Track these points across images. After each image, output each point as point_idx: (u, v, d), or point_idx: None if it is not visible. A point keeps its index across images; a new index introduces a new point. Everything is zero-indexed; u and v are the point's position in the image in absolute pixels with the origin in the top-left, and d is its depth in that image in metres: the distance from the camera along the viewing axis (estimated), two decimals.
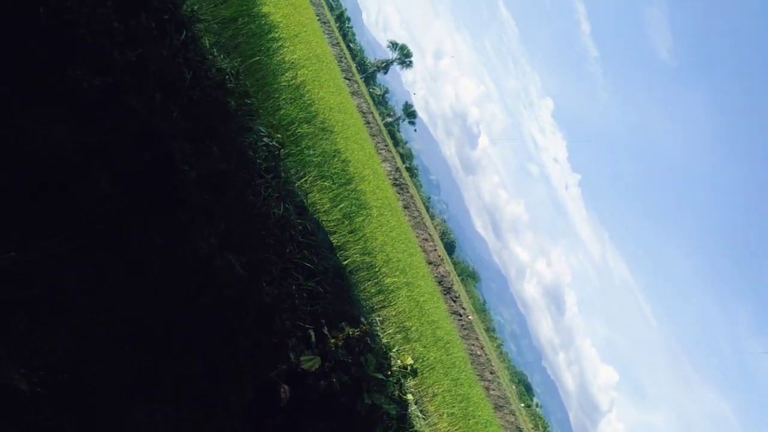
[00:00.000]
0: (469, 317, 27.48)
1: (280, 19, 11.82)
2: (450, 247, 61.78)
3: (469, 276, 64.80)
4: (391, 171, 32.41)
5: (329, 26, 43.78)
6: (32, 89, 3.57)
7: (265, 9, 9.51)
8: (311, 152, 7.69)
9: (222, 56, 5.10)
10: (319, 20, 38.26)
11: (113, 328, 3.95)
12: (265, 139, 5.20)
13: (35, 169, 3.64)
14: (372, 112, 40.54)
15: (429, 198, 77.65)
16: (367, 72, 76.71)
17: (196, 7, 4.71)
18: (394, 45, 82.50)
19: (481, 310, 56.71)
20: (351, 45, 74.37)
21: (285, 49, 9.81)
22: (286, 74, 8.95)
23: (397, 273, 11.48)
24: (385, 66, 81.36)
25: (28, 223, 3.58)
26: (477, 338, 26.34)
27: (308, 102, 9.96)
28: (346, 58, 43.44)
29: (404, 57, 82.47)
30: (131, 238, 3.86)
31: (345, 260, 7.54)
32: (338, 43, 44.26)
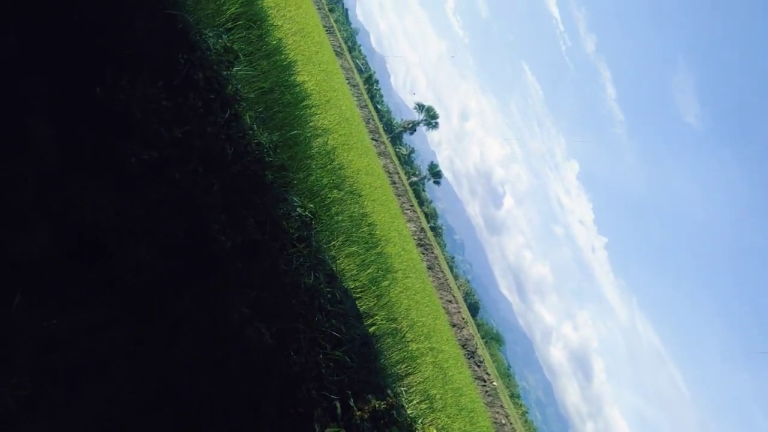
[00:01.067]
0: (494, 383, 26.73)
1: (313, 87, 12.30)
2: (474, 309, 60.92)
3: (493, 339, 63.49)
4: (416, 231, 32.52)
5: (358, 89, 45.17)
6: (83, 161, 3.77)
7: (299, 78, 9.92)
8: (340, 218, 7.83)
9: (261, 130, 5.32)
10: (348, 83, 39.57)
11: (143, 392, 3.99)
12: (298, 209, 5.34)
13: (78, 237, 3.79)
14: (398, 172, 41.12)
15: (453, 258, 77.19)
16: (393, 132, 78.28)
17: (239, 86, 4.98)
18: (420, 107, 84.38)
19: (506, 374, 55.19)
20: (379, 106, 76.33)
21: (317, 116, 10.17)
22: (318, 140, 9.23)
23: (422, 338, 11.36)
24: (412, 127, 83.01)
25: (68, 289, 3.71)
26: (502, 405, 25.52)
27: (338, 166, 10.22)
28: (373, 120, 44.56)
29: (430, 118, 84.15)
30: (166, 305, 3.96)
31: (371, 326, 7.52)
32: (366, 105, 45.53)
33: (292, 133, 6.88)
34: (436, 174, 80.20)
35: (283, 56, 9.29)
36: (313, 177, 7.91)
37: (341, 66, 40.75)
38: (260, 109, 6.87)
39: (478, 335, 38.77)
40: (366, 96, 50.75)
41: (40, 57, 3.64)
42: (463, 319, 29.77)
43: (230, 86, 4.64)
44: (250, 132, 4.79)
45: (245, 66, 6.01)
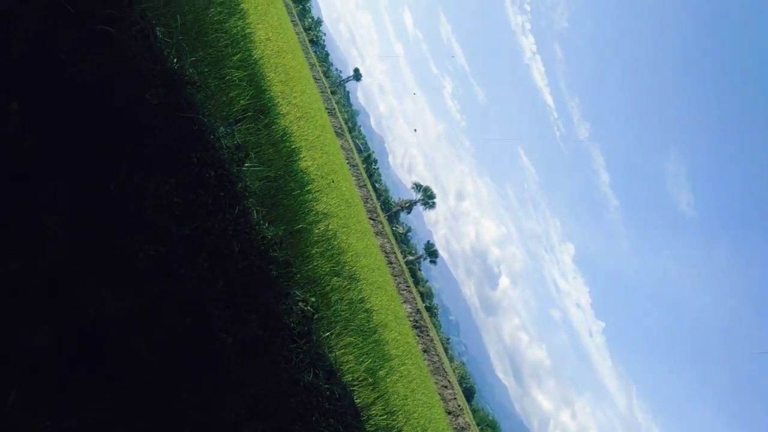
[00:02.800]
0: None
1: (315, 171, 12.57)
2: (469, 393, 59.17)
3: (489, 426, 61.22)
4: (411, 313, 32.14)
5: (357, 169, 46.06)
6: (90, 257, 3.78)
7: (303, 164, 10.17)
8: (339, 306, 7.79)
9: (267, 224, 5.39)
10: (348, 164, 40.40)
11: None
12: (300, 303, 5.32)
13: (79, 333, 3.74)
14: (395, 252, 41.16)
15: (448, 339, 75.86)
16: (391, 211, 79.06)
17: (248, 181, 5.09)
18: (418, 187, 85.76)
19: None
20: (377, 185, 77.55)
21: (319, 201, 10.33)
22: (319, 226, 9.33)
23: (419, 430, 10.97)
24: (409, 206, 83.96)
25: (62, 391, 3.61)
26: None
27: (338, 251, 10.26)
28: (372, 199, 45.13)
29: (427, 198, 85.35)
30: (164, 406, 3.84)
31: (368, 420, 7.29)
32: (365, 184, 46.27)
33: (298, 227, 6.96)
34: (432, 253, 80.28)
35: (288, 143, 9.57)
36: (314, 264, 7.93)
37: (342, 146, 41.77)
38: (265, 197, 7.00)
39: (474, 423, 37.44)
40: (365, 175, 51.69)
41: (57, 154, 3.74)
42: (459, 406, 28.87)
43: (240, 183, 4.75)
44: (257, 227, 4.85)
45: (254, 160, 6.17)
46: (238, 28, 9.09)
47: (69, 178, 3.79)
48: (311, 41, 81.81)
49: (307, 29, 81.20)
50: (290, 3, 71.41)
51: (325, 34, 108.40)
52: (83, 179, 3.82)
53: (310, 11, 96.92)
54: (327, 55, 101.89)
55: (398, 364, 12.61)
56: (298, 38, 51.45)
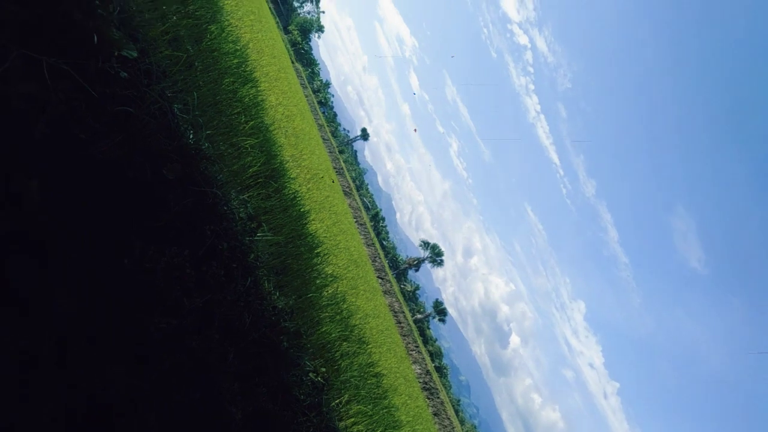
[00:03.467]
0: None
1: (324, 233, 12.65)
2: None
3: None
4: (421, 374, 31.48)
5: (365, 228, 46.26)
6: (100, 333, 3.78)
7: (312, 227, 10.24)
8: (349, 373, 7.66)
9: (278, 293, 5.39)
10: (356, 222, 40.64)
11: None
12: (311, 374, 5.25)
13: (87, 409, 3.69)
14: (403, 311, 40.76)
15: (459, 401, 73.79)
16: (399, 269, 78.73)
17: (260, 252, 5.13)
18: (425, 244, 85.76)
19: None
20: (384, 243, 77.61)
21: (328, 264, 10.34)
22: (328, 290, 9.29)
23: None
24: (417, 264, 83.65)
25: None
26: None
27: (347, 314, 10.17)
28: (379, 258, 45.08)
29: (435, 256, 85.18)
30: None
31: None
32: (373, 243, 46.34)
33: (309, 295, 6.94)
34: (441, 312, 79.33)
35: (298, 207, 9.67)
36: (323, 329, 7.85)
37: (350, 205, 42.14)
38: (275, 262, 7.02)
39: None
40: (372, 234, 51.82)
41: (73, 228, 3.81)
42: None
43: (252, 254, 4.79)
44: (268, 297, 4.85)
45: (266, 229, 6.23)
46: (251, 96, 9.37)
47: (84, 253, 3.83)
48: (320, 103, 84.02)
49: (316, 91, 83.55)
50: (300, 67, 73.80)
51: (333, 96, 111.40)
52: (98, 254, 3.86)
53: (318, 74, 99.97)
54: (335, 115, 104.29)
55: (409, 431, 12.25)
56: (308, 101, 52.90)
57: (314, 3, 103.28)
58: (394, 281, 48.89)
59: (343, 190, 42.47)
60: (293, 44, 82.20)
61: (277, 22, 66.79)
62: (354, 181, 69.21)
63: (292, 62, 61.75)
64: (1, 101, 3.20)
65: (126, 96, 3.54)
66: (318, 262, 9.25)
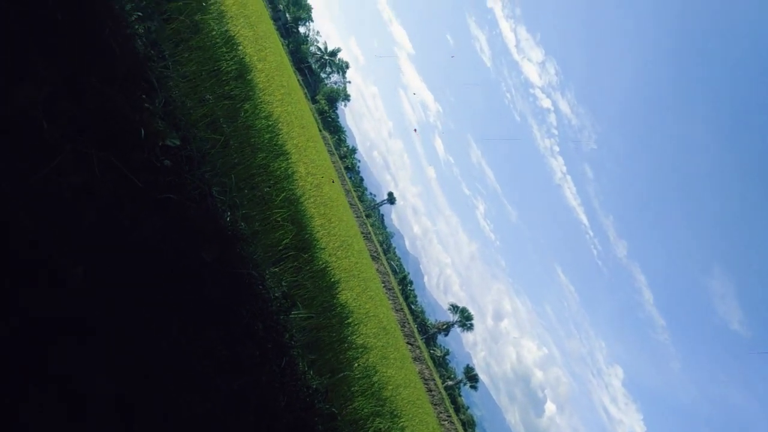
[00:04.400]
0: None
1: (353, 302, 12.60)
2: None
3: None
4: None
5: (393, 293, 45.92)
6: (137, 414, 3.78)
7: (342, 297, 10.22)
8: None
9: (312, 373, 5.35)
10: (384, 287, 40.41)
11: None
12: None
13: None
14: (434, 378, 39.75)
15: None
16: (428, 334, 77.40)
17: (294, 331, 5.14)
18: (454, 308, 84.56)
19: None
20: (413, 307, 76.70)
21: (357, 334, 10.24)
22: (359, 361, 9.17)
23: None
24: (446, 328, 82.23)
25: None
26: None
27: (378, 387, 9.97)
28: (408, 323, 44.46)
29: (465, 320, 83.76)
30: None
31: None
32: (402, 308, 45.86)
33: (341, 375, 6.88)
34: (472, 378, 77.18)
35: (328, 277, 9.71)
36: (355, 404, 7.69)
37: (378, 270, 42.06)
38: (306, 336, 6.99)
39: None
40: (401, 299, 51.36)
41: (113, 310, 3.88)
42: None
43: (287, 334, 4.79)
44: (303, 377, 4.81)
45: (300, 307, 6.26)
46: (282, 169, 9.62)
47: (122, 334, 3.88)
48: (347, 168, 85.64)
49: (342, 158, 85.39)
50: (327, 135, 75.84)
51: (359, 161, 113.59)
52: (137, 335, 3.91)
53: (345, 141, 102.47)
54: (361, 180, 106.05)
55: None
56: (335, 167, 54.01)
57: (340, 73, 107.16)
58: (423, 347, 47.97)
59: (371, 255, 42.55)
60: (320, 113, 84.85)
61: (305, 93, 69.36)
62: (381, 245, 69.38)
63: (320, 130, 63.55)
64: (53, 191, 3.36)
65: (168, 183, 3.68)
66: (349, 333, 9.18)
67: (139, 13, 3.94)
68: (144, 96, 3.58)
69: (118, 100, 3.36)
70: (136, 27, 3.97)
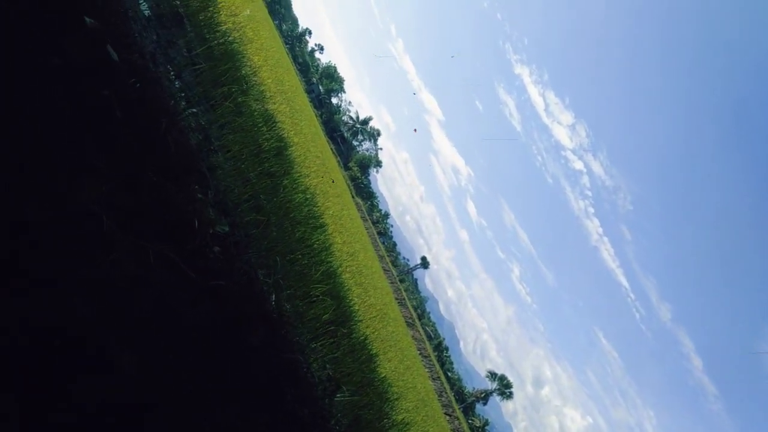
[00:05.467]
0: None
1: (392, 373, 12.38)
2: None
3: None
4: None
5: (429, 360, 44.87)
6: None
7: (381, 370, 10.07)
8: None
9: None
10: (420, 354, 39.57)
11: None
12: None
13: None
14: None
15: None
16: (465, 402, 74.84)
17: (339, 415, 5.07)
18: (493, 375, 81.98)
19: None
20: (449, 374, 74.65)
21: (398, 411, 10.00)
22: None
23: None
24: (485, 397, 79.47)
25: None
26: None
27: None
28: (446, 392, 43.14)
29: (504, 387, 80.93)
30: None
31: None
32: (438, 376, 44.64)
33: None
34: None
35: (366, 350, 9.61)
36: None
37: (413, 337, 41.34)
38: (348, 420, 6.88)
39: None
40: (437, 366, 50.09)
41: (161, 394, 3.91)
42: None
43: (333, 419, 4.73)
44: None
45: (345, 391, 6.21)
46: (320, 241, 9.76)
47: (170, 418, 3.89)
48: (379, 233, 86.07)
49: (375, 223, 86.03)
50: (360, 201, 76.88)
51: (392, 226, 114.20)
52: (181, 420, 3.91)
53: (377, 206, 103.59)
54: (395, 245, 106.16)
55: None
56: (368, 233, 54.33)
57: (372, 141, 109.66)
58: (462, 418, 46.32)
59: (406, 322, 41.99)
60: (353, 179, 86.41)
61: (338, 161, 71.01)
62: (416, 311, 68.53)
63: (353, 196, 64.52)
64: (109, 282, 3.48)
65: (218, 269, 3.78)
66: (389, 410, 8.99)
67: (194, 110, 4.18)
68: (197, 186, 3.74)
69: (173, 192, 3.52)
70: (189, 120, 4.20)
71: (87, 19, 3.38)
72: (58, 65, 3.38)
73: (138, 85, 3.71)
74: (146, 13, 6.72)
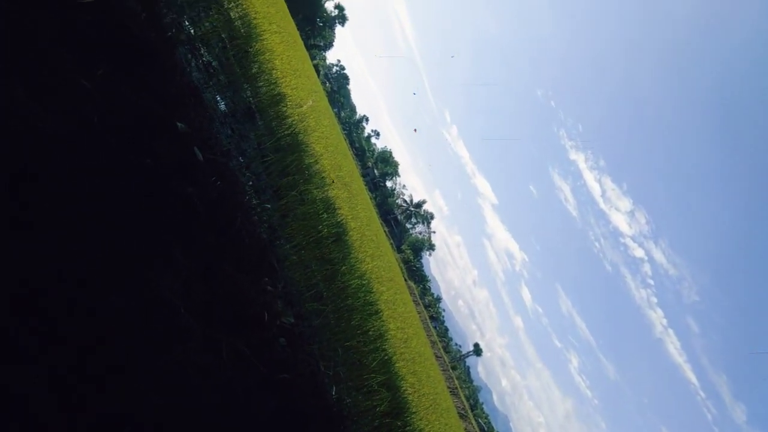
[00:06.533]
0: None
1: None
2: None
3: None
4: None
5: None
6: None
7: None
8: None
9: None
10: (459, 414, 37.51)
11: None
12: None
13: None
14: None
15: None
16: None
17: None
18: None
19: None
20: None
21: None
22: None
23: None
24: None
25: None
26: None
27: None
28: None
29: None
30: None
31: None
32: None
33: None
34: None
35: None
36: None
37: (466, 429, 39.50)
38: None
39: None
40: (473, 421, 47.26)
41: None
42: None
43: None
44: None
45: None
46: (375, 328, 9.73)
47: None
48: (431, 317, 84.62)
49: (427, 306, 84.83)
50: (412, 284, 76.44)
51: (444, 310, 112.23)
52: None
53: (430, 290, 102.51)
54: (446, 330, 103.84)
55: None
56: (420, 317, 53.54)
57: (425, 224, 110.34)
58: None
59: (459, 413, 40.28)
60: (405, 262, 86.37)
61: (391, 243, 71.52)
62: (468, 401, 65.82)
63: (405, 280, 64.28)
64: (180, 369, 3.60)
65: (284, 361, 3.85)
66: None
67: (267, 205, 4.43)
68: (267, 279, 3.90)
69: (245, 285, 3.68)
70: (262, 215, 4.44)
71: (179, 125, 3.72)
72: (149, 166, 3.70)
73: (219, 183, 3.98)
74: (222, 107, 7.27)
